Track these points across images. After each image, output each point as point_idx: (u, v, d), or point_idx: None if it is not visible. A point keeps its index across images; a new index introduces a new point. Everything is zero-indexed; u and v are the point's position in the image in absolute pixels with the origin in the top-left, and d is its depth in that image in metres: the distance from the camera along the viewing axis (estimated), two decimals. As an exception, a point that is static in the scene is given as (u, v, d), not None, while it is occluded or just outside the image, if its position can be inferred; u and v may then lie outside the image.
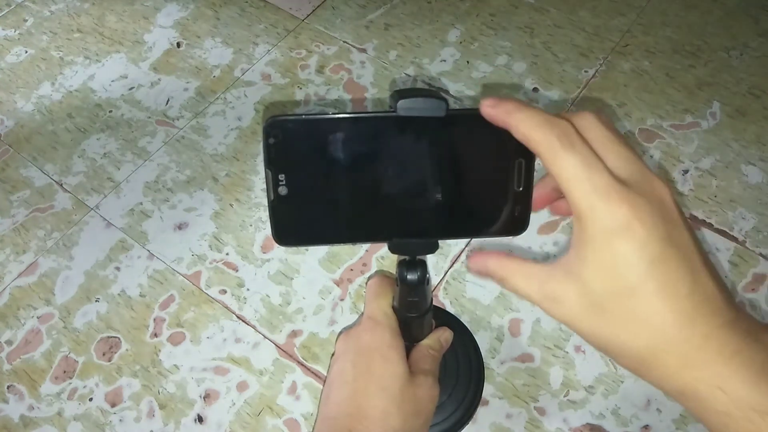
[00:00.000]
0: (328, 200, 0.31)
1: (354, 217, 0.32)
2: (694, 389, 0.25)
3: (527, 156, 0.30)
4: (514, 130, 0.27)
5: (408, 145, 0.30)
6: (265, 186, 0.31)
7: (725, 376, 0.24)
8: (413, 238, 0.32)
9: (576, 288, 0.27)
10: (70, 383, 0.56)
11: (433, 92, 0.29)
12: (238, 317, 0.58)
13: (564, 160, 0.25)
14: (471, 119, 0.29)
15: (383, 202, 0.31)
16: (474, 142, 0.30)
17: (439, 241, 0.33)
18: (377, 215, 0.32)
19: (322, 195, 0.31)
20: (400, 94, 0.29)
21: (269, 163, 0.30)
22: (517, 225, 0.31)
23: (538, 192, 0.31)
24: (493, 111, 0.27)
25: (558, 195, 0.31)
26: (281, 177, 0.30)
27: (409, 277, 0.39)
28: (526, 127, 0.26)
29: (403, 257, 0.39)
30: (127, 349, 0.57)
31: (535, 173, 0.31)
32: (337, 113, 0.30)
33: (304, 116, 0.30)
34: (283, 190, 0.30)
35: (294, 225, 0.32)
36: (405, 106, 0.29)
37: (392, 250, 0.33)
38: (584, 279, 0.26)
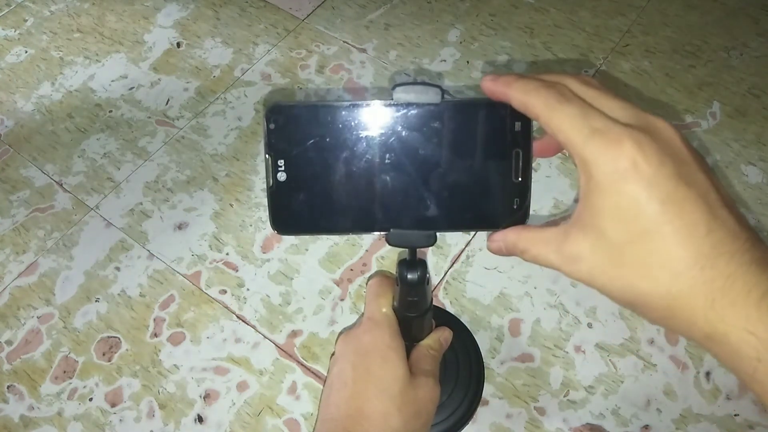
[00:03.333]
0: (327, 188, 0.31)
1: (352, 206, 0.32)
2: (722, 333, 0.24)
3: (525, 147, 0.30)
4: (512, 99, 0.27)
5: (405, 135, 0.30)
6: (265, 186, 0.31)
7: (755, 319, 0.23)
8: (411, 230, 0.32)
9: (591, 241, 0.26)
10: (70, 383, 0.56)
11: (429, 82, 0.30)
12: (238, 317, 0.58)
13: (560, 112, 0.25)
14: (467, 108, 0.30)
15: (381, 192, 0.31)
16: (471, 132, 0.30)
17: (439, 240, 0.33)
18: (375, 205, 0.32)
19: (321, 182, 0.31)
20: (397, 83, 0.30)
21: (269, 148, 0.30)
22: (517, 217, 0.31)
23: (540, 143, 0.31)
24: (492, 84, 0.28)
25: (559, 148, 0.30)
26: (280, 163, 0.31)
27: (409, 276, 0.39)
28: (522, 92, 0.27)
29: (403, 257, 0.39)
30: (127, 349, 0.57)
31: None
32: (337, 101, 0.30)
33: (304, 103, 0.30)
34: (282, 176, 0.31)
35: (292, 213, 0.32)
36: (401, 93, 0.29)
37: (390, 241, 0.33)
38: (598, 230, 0.26)
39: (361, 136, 0.30)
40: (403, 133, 0.30)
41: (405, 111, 0.30)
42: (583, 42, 0.76)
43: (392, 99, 0.30)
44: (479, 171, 0.31)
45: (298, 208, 0.32)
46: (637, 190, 0.24)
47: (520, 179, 0.30)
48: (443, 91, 0.30)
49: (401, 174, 0.31)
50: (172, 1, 0.83)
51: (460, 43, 0.77)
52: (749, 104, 0.70)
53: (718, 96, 0.71)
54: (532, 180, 0.31)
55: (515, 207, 0.30)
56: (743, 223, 0.25)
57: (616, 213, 0.25)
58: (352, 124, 0.30)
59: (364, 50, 0.76)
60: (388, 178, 0.31)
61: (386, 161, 0.31)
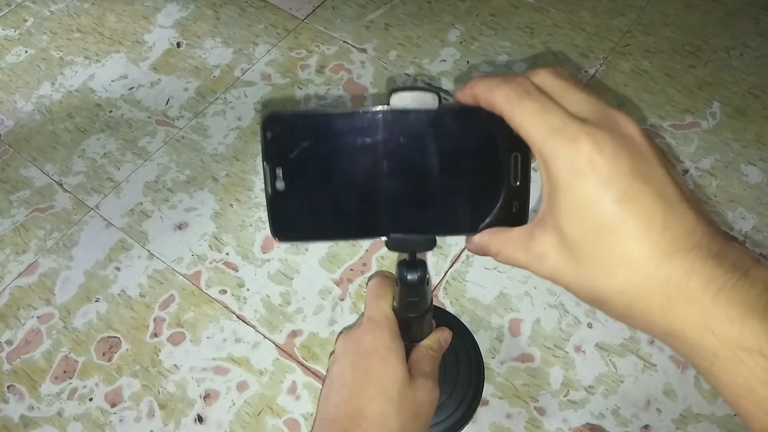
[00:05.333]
0: (326, 195, 0.31)
1: (351, 212, 0.32)
2: (680, 330, 0.24)
3: (523, 150, 0.30)
4: (478, 98, 0.27)
5: (403, 141, 0.30)
6: (264, 186, 0.31)
7: (711, 314, 0.23)
8: (411, 234, 0.32)
9: (553, 239, 0.26)
10: (70, 383, 0.56)
11: (426, 87, 0.29)
12: (238, 317, 0.58)
13: (520, 108, 0.25)
14: (465, 113, 0.29)
15: (380, 198, 0.31)
16: (469, 137, 0.30)
17: (439, 240, 0.33)
18: (375, 211, 0.32)
19: (320, 190, 0.31)
20: (394, 89, 0.30)
21: (267, 157, 0.30)
22: (516, 220, 0.31)
23: None
24: (461, 93, 0.28)
25: None
26: (278, 171, 0.30)
27: (409, 277, 0.39)
28: (485, 89, 0.27)
29: (403, 257, 0.39)
30: (127, 349, 0.57)
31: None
32: (334, 109, 0.30)
33: (301, 112, 0.30)
34: (280, 185, 0.31)
35: (292, 220, 0.32)
36: (398, 100, 0.29)
37: (390, 246, 0.33)
38: (559, 228, 0.26)
39: (358, 143, 0.30)
40: (401, 138, 0.30)
41: (402, 117, 0.30)
42: (583, 42, 0.76)
43: (389, 104, 0.30)
44: (478, 175, 0.31)
45: (298, 216, 0.32)
46: (593, 188, 0.24)
47: (518, 183, 0.30)
48: (440, 97, 0.29)
49: (400, 179, 0.31)
50: (172, 1, 0.83)
51: (460, 43, 0.77)
52: (749, 104, 0.70)
53: (718, 96, 0.71)
54: (531, 183, 0.31)
55: (514, 210, 0.30)
56: (702, 217, 0.24)
57: (573, 211, 0.25)
58: (349, 131, 0.30)
59: (364, 50, 0.76)
60: (386, 183, 0.31)
61: (384, 167, 0.31)
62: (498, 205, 0.31)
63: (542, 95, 0.26)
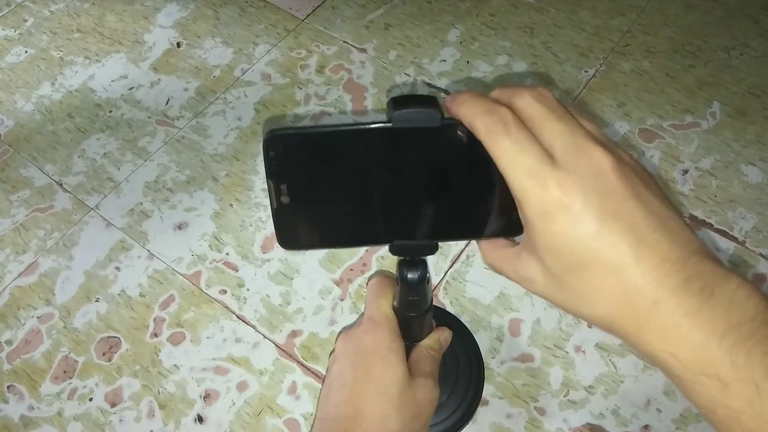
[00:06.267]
0: (330, 207, 0.32)
1: (355, 222, 0.32)
2: (652, 354, 0.25)
3: None
4: (462, 119, 0.28)
5: (406, 154, 0.31)
6: (266, 187, 0.31)
7: (676, 341, 0.24)
8: (414, 240, 0.33)
9: (538, 267, 0.28)
10: (70, 383, 0.56)
11: (428, 100, 0.29)
12: (238, 317, 0.58)
13: (499, 144, 0.26)
14: (466, 126, 0.29)
15: (383, 208, 0.32)
16: (470, 148, 0.30)
17: (440, 243, 0.34)
18: (378, 220, 0.32)
19: (323, 203, 0.32)
20: (395, 102, 0.29)
21: (270, 174, 0.31)
22: (518, 228, 0.31)
23: None
24: (449, 103, 0.29)
25: None
26: (283, 187, 0.31)
27: (409, 276, 0.39)
28: (469, 115, 0.27)
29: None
30: (127, 349, 0.57)
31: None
32: (335, 125, 0.30)
33: (301, 130, 0.30)
34: (285, 199, 0.31)
35: (297, 230, 0.33)
36: (400, 118, 0.29)
37: (393, 252, 0.33)
38: (540, 259, 0.27)
39: (360, 159, 0.30)
40: (403, 153, 0.30)
41: (404, 133, 0.29)
42: (583, 42, 0.76)
43: (388, 117, 0.29)
44: (480, 184, 0.31)
45: (303, 226, 0.32)
46: (565, 230, 0.25)
47: None
48: (442, 113, 0.29)
49: (402, 191, 0.31)
50: (172, 1, 0.83)
51: (460, 43, 0.77)
52: (749, 104, 0.70)
53: (718, 96, 0.71)
54: None
55: (514, 219, 0.30)
56: (677, 240, 0.25)
57: (550, 249, 0.26)
58: (351, 148, 0.30)
59: (364, 50, 0.76)
60: (388, 195, 0.31)
61: (386, 180, 0.31)
62: (500, 214, 0.31)
63: (521, 131, 0.26)
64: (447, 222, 0.32)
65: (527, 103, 0.27)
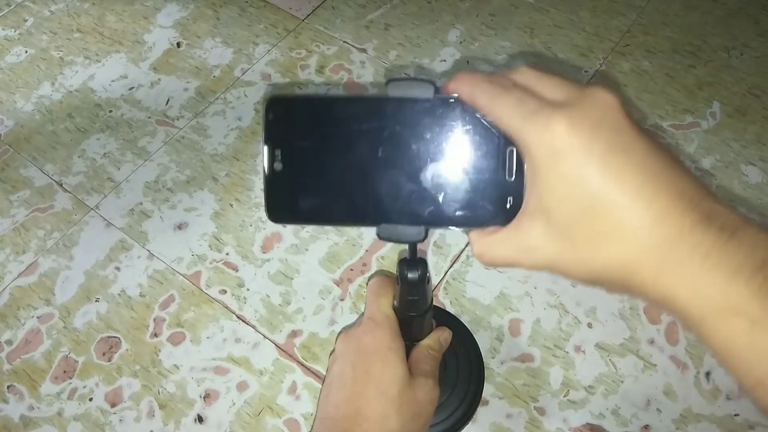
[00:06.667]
0: (321, 178, 0.32)
1: (344, 198, 0.32)
2: (671, 296, 0.24)
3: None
4: (462, 94, 0.28)
5: (398, 129, 0.31)
6: (262, 167, 0.31)
7: (699, 278, 0.23)
8: (402, 224, 0.32)
9: (542, 226, 0.26)
10: (70, 383, 0.56)
11: (422, 78, 0.30)
12: (238, 317, 0.58)
13: (499, 102, 0.26)
14: (460, 105, 0.30)
15: (373, 185, 0.32)
16: (464, 129, 0.30)
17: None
18: (367, 198, 0.32)
19: (315, 172, 0.32)
20: (391, 78, 0.31)
21: (267, 138, 0.31)
22: (510, 216, 0.30)
23: None
24: (447, 87, 0.29)
25: None
26: (277, 152, 0.31)
27: (409, 275, 0.39)
28: (468, 87, 0.28)
29: (403, 257, 0.39)
30: (127, 349, 0.57)
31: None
32: (335, 94, 0.30)
33: (303, 95, 0.31)
34: (278, 166, 0.31)
35: (287, 201, 0.32)
36: (394, 88, 0.30)
37: (380, 235, 0.33)
38: (546, 213, 0.26)
39: (356, 129, 0.31)
40: (397, 127, 0.31)
41: (399, 106, 0.30)
42: (583, 42, 0.76)
43: (387, 93, 0.30)
44: (472, 168, 0.31)
45: (293, 197, 0.32)
46: (574, 167, 0.24)
47: (513, 178, 0.30)
48: (436, 87, 0.30)
49: (393, 169, 0.31)
50: (172, 1, 0.83)
51: (460, 43, 0.77)
52: (749, 104, 0.70)
53: (718, 96, 0.71)
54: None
55: (508, 206, 0.30)
56: (689, 180, 0.24)
57: (558, 194, 0.25)
58: (349, 116, 0.31)
59: (364, 50, 0.76)
60: (380, 172, 0.31)
61: (379, 155, 0.31)
62: (492, 200, 0.31)
63: (520, 90, 0.27)
64: (437, 207, 0.31)
65: (524, 72, 0.27)
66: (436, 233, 0.60)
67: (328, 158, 0.31)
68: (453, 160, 0.31)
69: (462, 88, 0.28)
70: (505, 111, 0.26)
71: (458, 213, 0.31)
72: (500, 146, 0.30)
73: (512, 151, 0.30)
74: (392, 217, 0.32)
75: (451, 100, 0.30)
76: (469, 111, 0.30)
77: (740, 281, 0.22)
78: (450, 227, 0.32)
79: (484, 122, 0.30)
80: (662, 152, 0.25)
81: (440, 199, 0.31)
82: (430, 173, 0.31)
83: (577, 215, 0.25)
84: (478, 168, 0.31)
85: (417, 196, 0.31)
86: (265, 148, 0.31)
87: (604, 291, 0.28)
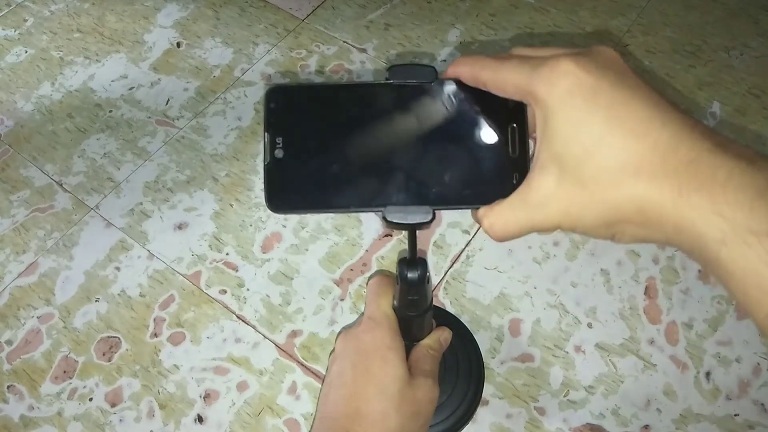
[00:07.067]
0: (323, 165, 0.32)
1: (348, 183, 0.32)
2: (690, 220, 0.23)
3: (520, 122, 0.30)
4: (464, 76, 0.29)
5: (402, 113, 0.31)
6: (263, 156, 0.31)
7: (721, 199, 0.23)
8: (408, 205, 0.32)
9: (554, 174, 0.26)
10: (70, 383, 0.56)
11: (423, 64, 0.31)
12: (238, 317, 0.58)
13: (503, 67, 0.27)
14: (461, 86, 0.31)
15: (377, 169, 0.31)
16: (466, 110, 0.31)
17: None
18: (371, 182, 0.32)
19: (317, 159, 0.32)
20: (392, 65, 0.31)
21: (268, 126, 0.31)
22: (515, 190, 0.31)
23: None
24: (447, 72, 0.30)
25: None
26: (278, 140, 0.31)
27: (409, 275, 0.39)
28: (469, 65, 0.28)
29: (403, 256, 0.39)
30: (127, 349, 0.57)
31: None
32: (335, 82, 0.31)
33: (304, 84, 0.32)
34: (279, 153, 0.31)
35: (287, 190, 0.32)
36: (396, 73, 0.31)
37: (386, 218, 0.32)
38: (557, 158, 0.26)
39: (358, 114, 0.31)
40: (399, 111, 0.31)
41: (400, 90, 0.31)
42: (583, 42, 0.76)
43: (387, 78, 0.31)
44: (476, 147, 0.31)
45: (294, 186, 0.32)
46: (584, 103, 0.25)
47: (517, 154, 0.31)
48: (437, 71, 0.31)
49: (397, 151, 0.31)
50: (172, 1, 0.83)
51: (460, 43, 0.77)
52: (749, 104, 0.70)
53: (718, 96, 0.71)
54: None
55: (515, 182, 0.30)
56: (694, 118, 0.25)
57: (568, 132, 0.25)
58: (350, 103, 0.31)
59: (364, 50, 0.76)
60: (383, 155, 0.31)
61: (382, 139, 0.31)
62: (498, 177, 0.31)
63: (521, 55, 0.28)
64: (443, 187, 0.31)
65: (520, 48, 0.28)
66: (436, 233, 0.60)
67: (331, 144, 0.31)
68: (456, 141, 0.31)
69: (462, 69, 0.29)
70: (510, 72, 0.27)
71: (465, 192, 0.31)
72: (502, 124, 0.31)
73: (514, 128, 0.30)
74: (397, 200, 0.32)
75: (452, 82, 0.31)
76: (469, 91, 0.30)
77: (764, 203, 0.22)
78: (457, 206, 0.32)
79: (485, 102, 0.30)
80: (665, 97, 0.25)
81: (446, 179, 0.31)
82: (434, 154, 0.31)
83: (588, 151, 0.25)
84: (482, 147, 0.31)
85: (422, 177, 0.31)
86: (266, 135, 0.31)
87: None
